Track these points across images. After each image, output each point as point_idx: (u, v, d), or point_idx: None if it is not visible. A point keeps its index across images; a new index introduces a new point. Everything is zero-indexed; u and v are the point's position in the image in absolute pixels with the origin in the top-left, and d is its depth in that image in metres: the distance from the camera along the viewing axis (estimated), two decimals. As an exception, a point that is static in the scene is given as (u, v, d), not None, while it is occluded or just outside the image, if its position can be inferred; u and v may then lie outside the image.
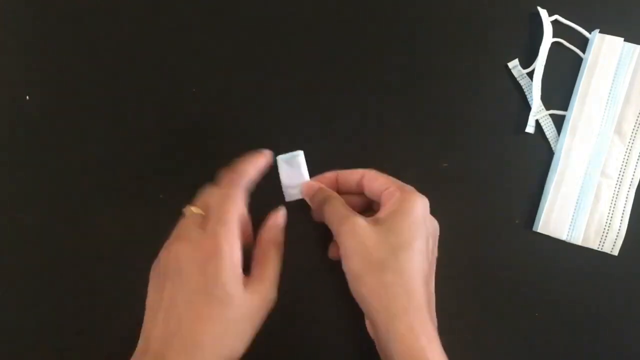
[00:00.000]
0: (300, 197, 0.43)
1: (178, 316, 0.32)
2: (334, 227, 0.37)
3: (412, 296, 0.34)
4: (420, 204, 0.36)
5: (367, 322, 0.38)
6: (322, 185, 0.41)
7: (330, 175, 0.42)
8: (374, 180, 0.39)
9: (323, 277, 0.43)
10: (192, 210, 0.36)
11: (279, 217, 0.40)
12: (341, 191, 0.41)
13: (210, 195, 0.37)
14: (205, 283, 0.32)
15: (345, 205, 0.38)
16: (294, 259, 0.43)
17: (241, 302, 0.33)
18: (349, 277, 0.35)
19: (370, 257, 0.34)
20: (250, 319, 0.34)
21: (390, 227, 0.35)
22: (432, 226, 0.38)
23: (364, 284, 0.34)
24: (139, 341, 0.34)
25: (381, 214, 0.37)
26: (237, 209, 0.35)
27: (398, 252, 0.34)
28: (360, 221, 0.36)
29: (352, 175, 0.40)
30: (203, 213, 0.35)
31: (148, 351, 0.32)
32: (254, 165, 0.39)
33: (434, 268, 0.39)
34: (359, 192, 0.41)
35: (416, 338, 0.33)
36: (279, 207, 0.40)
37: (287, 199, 0.43)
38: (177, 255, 0.34)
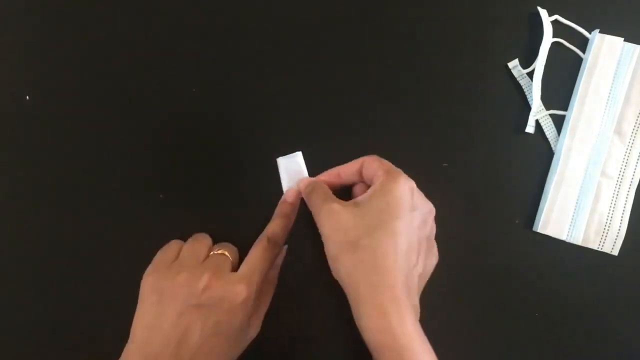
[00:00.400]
0: (298, 198, 0.43)
1: (193, 345, 0.34)
2: (314, 215, 0.38)
3: (384, 274, 0.33)
4: (401, 184, 0.36)
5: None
6: (312, 179, 0.42)
7: (331, 171, 0.42)
8: (369, 167, 0.39)
9: (324, 278, 0.43)
10: (222, 251, 0.38)
11: (279, 259, 0.42)
12: (345, 184, 0.42)
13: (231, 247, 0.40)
14: (228, 320, 0.35)
15: (326, 193, 0.39)
16: (295, 258, 0.43)
17: (245, 340, 0.38)
18: (328, 259, 0.37)
19: (346, 237, 0.35)
20: (240, 352, 0.38)
21: (367, 208, 0.36)
22: (422, 205, 0.38)
23: (340, 264, 0.35)
24: (132, 353, 0.35)
25: (366, 194, 0.37)
26: (270, 266, 0.39)
27: (373, 231, 0.34)
28: (336, 205, 0.36)
29: (353, 166, 0.41)
30: (230, 257, 0.38)
31: None
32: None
33: (429, 245, 0.38)
34: (362, 181, 0.41)
35: (384, 315, 0.32)
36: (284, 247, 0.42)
37: (287, 199, 0.43)
38: (208, 286, 0.35)
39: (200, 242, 0.39)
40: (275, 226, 0.40)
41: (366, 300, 0.33)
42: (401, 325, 0.32)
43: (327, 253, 0.37)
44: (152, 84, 0.46)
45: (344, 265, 0.35)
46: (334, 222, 0.36)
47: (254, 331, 0.39)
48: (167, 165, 0.45)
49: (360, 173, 0.40)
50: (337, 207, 0.36)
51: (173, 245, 0.40)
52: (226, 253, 0.38)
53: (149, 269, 0.38)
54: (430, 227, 0.39)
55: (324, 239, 0.37)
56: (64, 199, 0.44)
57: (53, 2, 0.47)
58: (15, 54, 0.46)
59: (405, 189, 0.36)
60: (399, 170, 0.38)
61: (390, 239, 0.34)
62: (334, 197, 0.38)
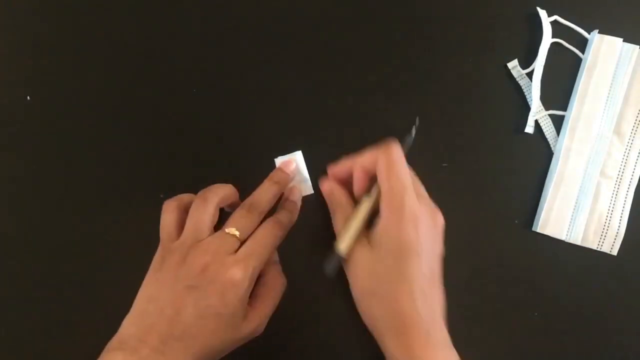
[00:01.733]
0: (300, 196, 0.43)
1: (185, 323, 0.34)
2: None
3: (402, 318, 0.35)
4: (404, 225, 0.36)
5: None
6: (335, 191, 0.41)
7: (346, 163, 0.41)
8: (379, 175, 0.38)
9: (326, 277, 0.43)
10: (232, 231, 0.37)
11: (274, 255, 0.42)
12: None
13: (247, 220, 0.38)
14: (220, 304, 0.34)
15: (347, 217, 0.39)
16: (297, 257, 0.43)
17: (239, 329, 0.36)
18: (356, 304, 0.39)
19: (364, 285, 0.37)
20: (235, 343, 0.37)
21: (379, 252, 0.37)
22: (429, 235, 0.38)
23: (363, 310, 0.38)
24: (130, 323, 0.35)
25: (375, 233, 0.37)
26: (273, 250, 0.39)
27: (387, 279, 0.36)
28: (357, 251, 0.38)
29: (367, 164, 0.39)
30: (238, 236, 0.37)
31: (146, 342, 0.34)
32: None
33: (438, 269, 0.38)
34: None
35: (409, 355, 0.34)
36: None
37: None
38: (204, 267, 0.35)
39: (201, 211, 0.37)
40: (282, 215, 0.40)
41: (386, 341, 0.36)
42: (424, 356, 0.34)
43: (354, 299, 0.39)
44: (152, 84, 0.46)
45: (365, 310, 0.38)
46: (353, 269, 0.38)
47: (253, 326, 0.37)
48: (167, 165, 0.45)
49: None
50: (356, 254, 0.38)
51: (171, 214, 0.39)
52: (237, 234, 0.37)
53: (160, 244, 0.38)
54: (435, 243, 0.39)
55: (349, 281, 0.39)
56: (64, 199, 0.44)
57: (53, 3, 0.47)
58: (16, 54, 0.46)
59: (409, 229, 0.36)
60: (401, 197, 0.36)
61: (404, 284, 0.35)
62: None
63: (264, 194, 0.40)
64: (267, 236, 0.38)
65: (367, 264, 0.37)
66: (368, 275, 0.37)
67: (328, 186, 0.42)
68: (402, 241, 0.36)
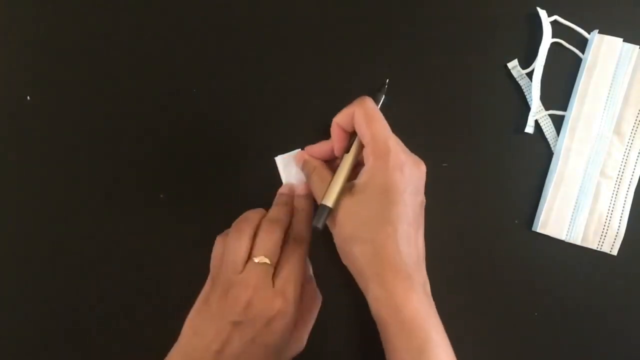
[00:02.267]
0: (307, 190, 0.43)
1: (231, 356, 0.35)
2: (317, 199, 0.39)
3: (386, 261, 0.35)
4: (390, 169, 0.36)
5: None
6: (308, 157, 0.42)
7: (323, 143, 0.42)
8: (359, 128, 0.38)
9: (329, 274, 0.43)
10: (262, 260, 0.37)
11: (309, 269, 0.42)
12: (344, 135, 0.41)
13: (271, 242, 0.38)
14: (267, 335, 0.35)
15: (325, 179, 0.39)
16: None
17: (285, 352, 0.38)
18: (337, 248, 0.39)
19: (346, 231, 0.37)
20: None
21: (363, 198, 0.36)
22: (412, 174, 0.37)
23: (345, 254, 0.38)
24: (178, 354, 0.36)
25: (358, 180, 0.37)
26: (306, 270, 0.39)
27: (370, 224, 0.36)
28: (340, 200, 0.37)
29: (344, 121, 0.39)
30: (271, 263, 0.37)
31: None
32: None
33: (421, 217, 0.39)
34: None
35: (388, 293, 0.34)
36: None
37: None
38: (248, 304, 0.35)
39: (237, 245, 0.38)
40: (299, 223, 0.40)
41: (370, 285, 0.35)
42: (405, 299, 0.34)
43: (336, 244, 0.38)
44: (152, 84, 0.46)
45: (348, 255, 0.37)
46: (337, 217, 0.37)
47: (298, 345, 0.39)
48: (167, 165, 0.45)
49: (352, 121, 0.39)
50: (339, 204, 0.37)
51: (219, 246, 0.39)
52: (267, 261, 0.37)
53: (210, 271, 0.39)
54: (417, 194, 0.38)
55: (331, 229, 0.39)
56: (64, 199, 0.44)
57: (53, 3, 0.47)
58: (16, 54, 0.46)
59: (396, 173, 0.36)
60: (385, 143, 0.36)
61: (388, 227, 0.35)
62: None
63: (278, 212, 0.40)
64: (296, 258, 0.38)
65: (351, 209, 0.37)
66: (352, 220, 0.36)
67: (301, 155, 0.42)
68: (388, 185, 0.35)
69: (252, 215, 0.39)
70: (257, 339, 0.35)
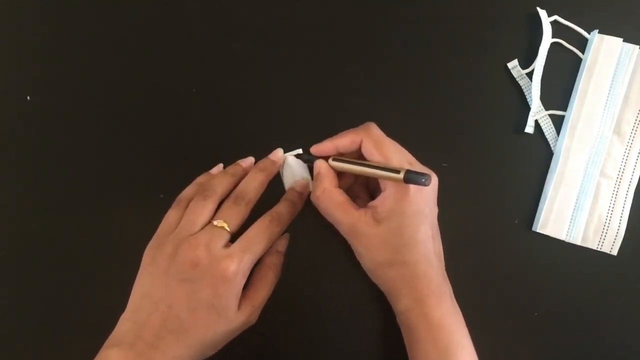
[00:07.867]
0: (306, 188, 0.43)
1: (179, 317, 0.35)
2: (335, 224, 0.40)
3: (422, 276, 0.37)
4: (413, 200, 0.37)
5: None
6: (321, 171, 0.40)
7: (327, 144, 0.41)
8: (370, 156, 0.39)
9: (328, 271, 0.43)
10: (220, 223, 0.37)
11: (281, 245, 0.42)
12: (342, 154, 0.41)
13: (234, 212, 0.38)
14: (212, 297, 0.35)
15: (340, 202, 0.39)
16: (300, 253, 0.43)
17: (232, 321, 0.37)
18: (366, 271, 0.40)
19: (379, 257, 0.38)
20: (229, 334, 0.37)
21: (390, 227, 0.37)
22: (430, 196, 0.39)
23: (379, 277, 0.39)
24: (126, 319, 0.36)
25: (379, 208, 0.38)
26: (274, 245, 0.41)
27: (403, 248, 0.37)
28: (361, 225, 0.38)
29: (351, 145, 0.39)
30: (228, 230, 0.37)
31: (141, 338, 0.35)
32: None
33: (437, 226, 0.40)
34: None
35: (422, 306, 0.36)
36: (285, 234, 0.43)
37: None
38: (196, 262, 0.35)
39: (202, 205, 0.38)
40: (282, 207, 0.40)
41: (405, 298, 0.37)
42: (436, 306, 0.37)
43: (363, 266, 0.40)
44: (152, 84, 0.46)
45: (381, 277, 0.39)
46: (364, 243, 0.38)
47: (245, 316, 0.37)
48: (167, 165, 0.45)
49: (359, 153, 0.40)
50: (362, 229, 0.38)
51: (173, 213, 0.39)
52: (225, 226, 0.37)
53: (153, 238, 0.39)
54: (435, 201, 0.40)
55: (357, 255, 0.40)
56: (64, 199, 0.44)
57: (54, 3, 0.47)
58: (16, 54, 0.46)
59: (416, 197, 0.37)
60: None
61: (419, 247, 0.37)
62: (347, 203, 0.39)
63: (250, 182, 0.40)
64: (263, 231, 0.38)
65: (379, 237, 0.38)
66: (382, 247, 0.38)
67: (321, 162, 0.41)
68: (414, 211, 0.37)
69: (218, 185, 0.39)
70: (203, 301, 0.35)
